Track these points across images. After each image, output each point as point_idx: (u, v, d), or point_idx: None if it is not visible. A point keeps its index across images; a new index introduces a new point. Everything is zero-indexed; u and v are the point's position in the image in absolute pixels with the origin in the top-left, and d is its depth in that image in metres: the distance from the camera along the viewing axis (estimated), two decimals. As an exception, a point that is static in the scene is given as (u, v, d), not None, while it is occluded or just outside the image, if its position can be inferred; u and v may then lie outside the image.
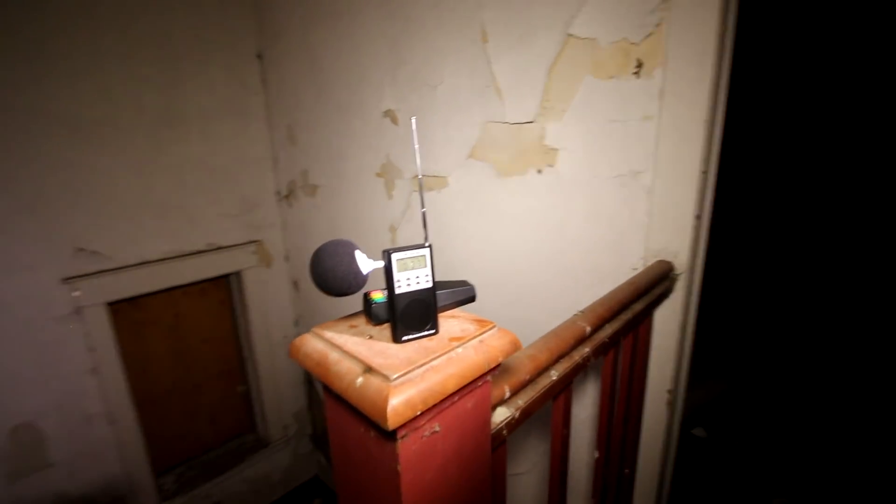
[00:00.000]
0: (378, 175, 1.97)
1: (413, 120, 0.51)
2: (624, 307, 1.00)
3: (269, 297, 2.77)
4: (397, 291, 0.48)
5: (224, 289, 2.71)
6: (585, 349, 0.86)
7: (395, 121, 1.82)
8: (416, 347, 0.49)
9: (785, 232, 3.38)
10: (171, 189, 2.26)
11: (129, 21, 2.03)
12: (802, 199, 3.30)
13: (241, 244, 2.58)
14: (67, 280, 2.01)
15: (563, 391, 0.83)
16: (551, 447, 0.90)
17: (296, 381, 3.03)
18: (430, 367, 0.46)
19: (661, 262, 1.20)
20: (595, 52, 1.20)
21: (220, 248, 2.49)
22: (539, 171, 1.39)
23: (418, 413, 0.43)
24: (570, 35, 1.24)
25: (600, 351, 0.91)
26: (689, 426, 2.48)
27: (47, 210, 1.93)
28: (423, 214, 0.48)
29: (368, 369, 0.45)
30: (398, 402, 0.41)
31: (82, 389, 2.13)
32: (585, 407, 1.45)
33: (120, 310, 2.27)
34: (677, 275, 1.21)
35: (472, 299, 0.59)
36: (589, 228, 1.33)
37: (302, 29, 2.14)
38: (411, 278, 0.48)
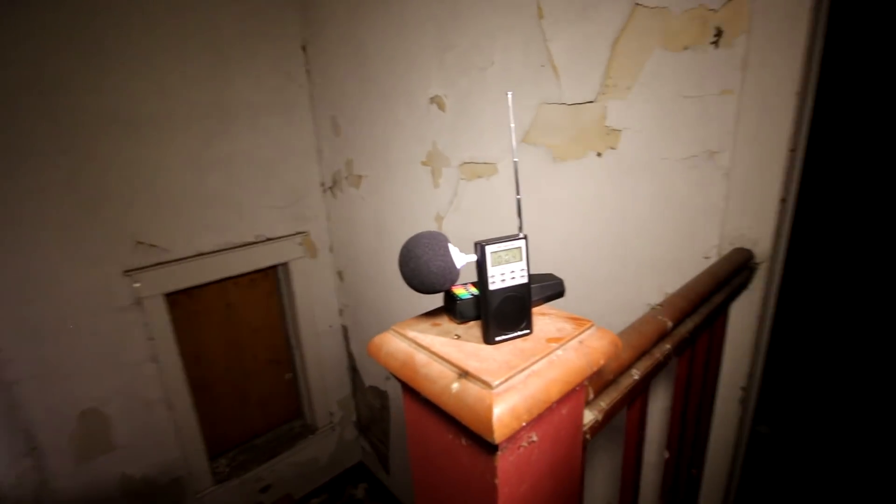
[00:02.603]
0: (424, 163, 1.93)
1: (510, 95, 0.45)
2: (704, 300, 0.92)
3: (314, 288, 2.81)
4: (491, 288, 0.43)
5: (272, 279, 2.76)
6: (666, 346, 0.79)
7: (442, 107, 1.76)
8: (511, 349, 0.44)
9: (883, 220, 3.04)
10: (221, 182, 2.31)
11: (181, 16, 2.06)
12: None
13: (287, 235, 2.61)
14: (128, 272, 2.09)
15: (643, 391, 0.77)
16: (625, 452, 0.84)
17: (340, 370, 3.07)
18: (531, 372, 0.41)
19: (738, 250, 1.10)
20: (666, 22, 1.11)
21: (268, 239, 2.53)
22: (599, 154, 1.31)
23: (524, 424, 0.38)
24: (638, 4, 1.14)
25: (681, 348, 0.84)
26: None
27: (109, 205, 2.01)
28: (518, 202, 0.43)
29: (464, 374, 0.41)
30: (503, 412, 0.37)
31: (142, 376, 2.23)
32: (653, 405, 1.37)
33: (176, 301, 2.35)
34: (757, 264, 1.11)
35: (560, 294, 0.54)
36: (655, 215, 1.24)
37: (347, 18, 2.11)
38: (506, 273, 0.44)
